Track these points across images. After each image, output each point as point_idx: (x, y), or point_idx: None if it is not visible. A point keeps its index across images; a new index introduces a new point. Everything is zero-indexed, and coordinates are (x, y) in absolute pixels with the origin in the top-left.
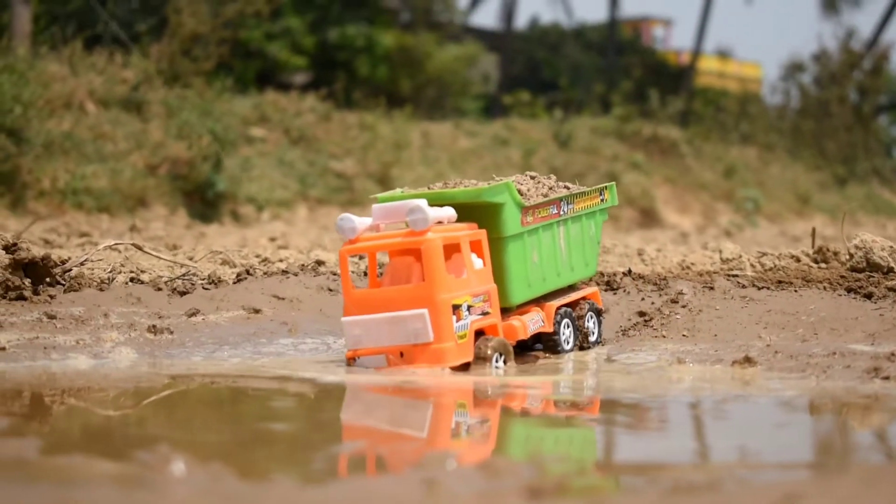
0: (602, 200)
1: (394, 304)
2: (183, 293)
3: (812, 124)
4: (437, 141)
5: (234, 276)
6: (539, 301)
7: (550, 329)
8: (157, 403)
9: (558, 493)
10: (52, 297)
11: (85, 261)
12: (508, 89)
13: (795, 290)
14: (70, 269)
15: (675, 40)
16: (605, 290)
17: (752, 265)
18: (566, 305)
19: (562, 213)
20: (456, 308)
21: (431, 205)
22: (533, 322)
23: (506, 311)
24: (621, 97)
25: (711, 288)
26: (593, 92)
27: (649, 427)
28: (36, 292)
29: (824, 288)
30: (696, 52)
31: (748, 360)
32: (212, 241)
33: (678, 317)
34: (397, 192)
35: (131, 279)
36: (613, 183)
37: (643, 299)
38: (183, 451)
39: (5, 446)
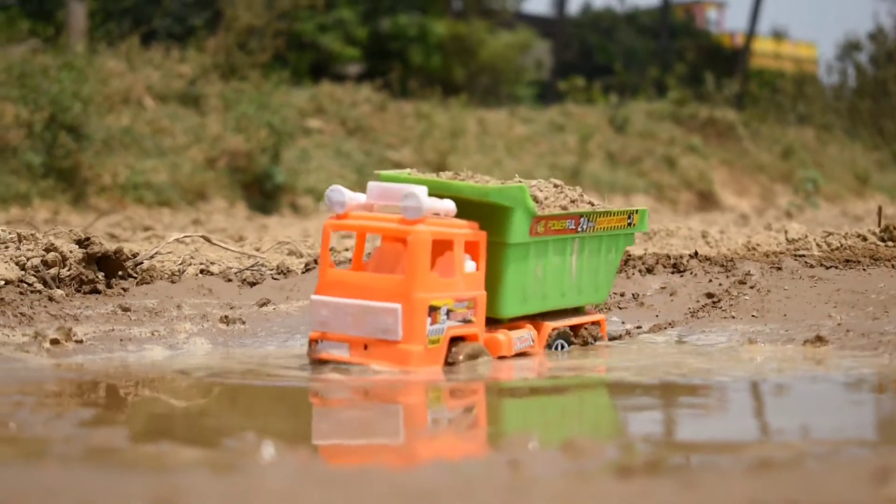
0: (630, 224)
1: (369, 293)
2: (253, 284)
3: (869, 104)
4: (493, 128)
5: (301, 265)
6: (535, 318)
7: (540, 351)
8: (235, 392)
9: (648, 471)
10: (125, 289)
11: (155, 253)
12: (562, 75)
13: (864, 269)
14: (141, 262)
15: (729, 22)
16: (672, 273)
17: (818, 245)
18: (565, 327)
19: (580, 229)
20: (433, 310)
21: (434, 195)
22: (520, 339)
23: (495, 324)
24: (676, 81)
25: (779, 268)
26: (647, 76)
27: (727, 407)
28: (109, 285)
29: (893, 266)
30: (751, 34)
31: (820, 339)
32: (275, 232)
33: (747, 297)
34: (404, 172)
35: (201, 271)
36: (646, 209)
37: (710, 281)
38: (268, 438)
39: (95, 435)
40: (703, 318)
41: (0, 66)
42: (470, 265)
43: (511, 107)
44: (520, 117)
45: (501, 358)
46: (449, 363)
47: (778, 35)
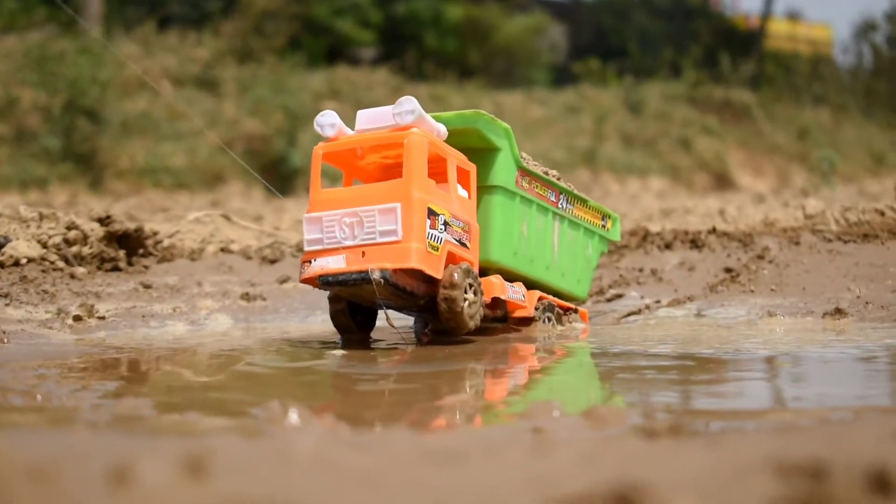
0: (604, 227)
1: (364, 201)
2: (273, 261)
3: (885, 84)
4: (509, 111)
5: None
6: (527, 287)
7: (530, 313)
8: (256, 365)
9: (673, 434)
10: (146, 267)
11: (176, 232)
12: (577, 58)
13: (882, 243)
14: (162, 241)
15: (744, 3)
16: (690, 248)
17: (835, 220)
18: (553, 302)
19: (560, 206)
20: (432, 214)
21: None
22: (513, 290)
23: (484, 275)
24: (691, 62)
25: (797, 243)
26: (662, 58)
27: (745, 377)
28: (130, 263)
29: None
30: (766, 15)
31: (839, 312)
32: (293, 214)
33: (765, 272)
34: None
35: (221, 249)
36: (618, 217)
37: (728, 256)
38: (293, 406)
39: (121, 405)
40: (721, 293)
41: (18, 52)
42: (462, 192)
43: (526, 89)
44: (536, 100)
45: (496, 300)
46: (450, 284)
47: (793, 16)
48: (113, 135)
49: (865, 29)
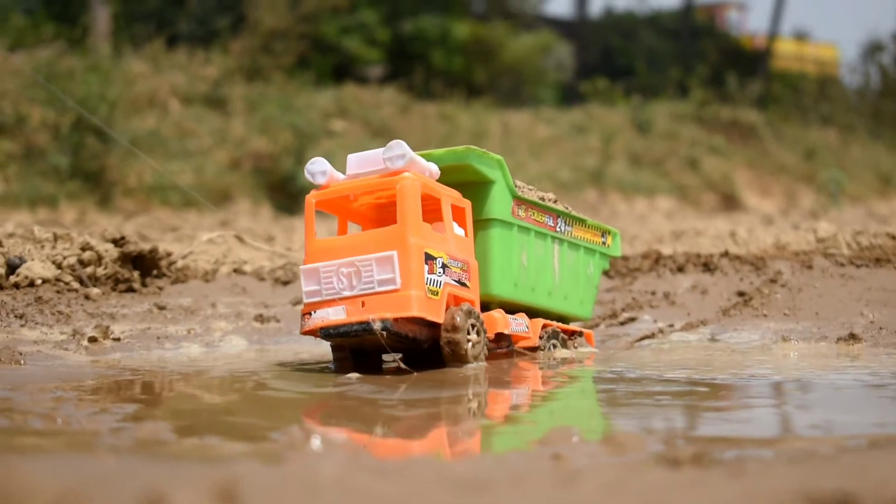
0: (604, 243)
1: (360, 250)
2: (286, 283)
3: (892, 104)
4: (516, 129)
5: None
6: (529, 315)
7: (535, 342)
8: (270, 386)
9: (696, 463)
10: (160, 288)
11: (189, 253)
12: (584, 77)
13: (895, 268)
14: (175, 261)
15: (750, 23)
16: (703, 272)
17: (847, 244)
18: (557, 328)
19: (558, 229)
20: (430, 259)
21: None
22: (516, 323)
23: (485, 308)
24: (698, 82)
25: (810, 267)
26: (669, 77)
27: (761, 404)
28: (144, 284)
29: None
30: (773, 35)
31: (853, 337)
32: (302, 233)
33: (778, 296)
34: None
35: (234, 270)
36: (618, 232)
37: (741, 280)
38: (313, 431)
39: (141, 429)
40: (734, 317)
41: (26, 69)
42: (459, 230)
43: (534, 108)
44: (543, 118)
45: (500, 336)
46: (452, 327)
47: (800, 36)
48: (121, 153)
49: (872, 49)
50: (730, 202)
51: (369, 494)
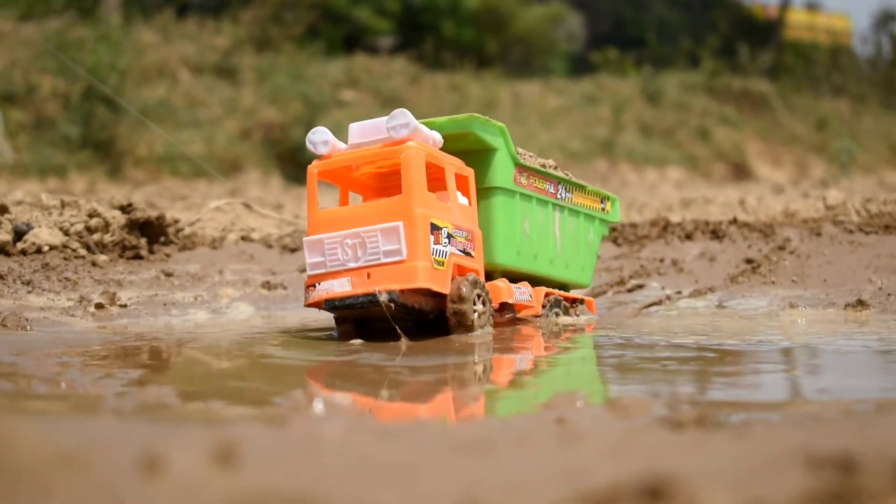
0: (603, 209)
1: (365, 220)
2: (293, 250)
3: None
4: (526, 100)
5: None
6: (532, 284)
7: (538, 311)
8: (275, 352)
9: (699, 425)
10: (167, 255)
11: (197, 220)
12: (594, 47)
13: None
14: (183, 229)
15: None
16: (711, 239)
17: (856, 211)
18: (559, 296)
19: (559, 196)
20: (435, 229)
21: None
22: (520, 292)
23: (489, 277)
24: (709, 52)
25: (818, 234)
26: (680, 48)
27: (767, 369)
28: (151, 251)
29: None
30: (784, 5)
31: (861, 303)
32: None
33: (786, 263)
34: None
35: (242, 237)
36: (617, 198)
37: (749, 247)
38: (317, 395)
39: (145, 393)
40: (742, 284)
41: (37, 39)
42: (462, 199)
43: (545, 79)
44: (553, 89)
45: (504, 305)
46: (458, 298)
47: (812, 6)
48: (132, 123)
49: (885, 19)
50: (740, 172)
51: (371, 456)
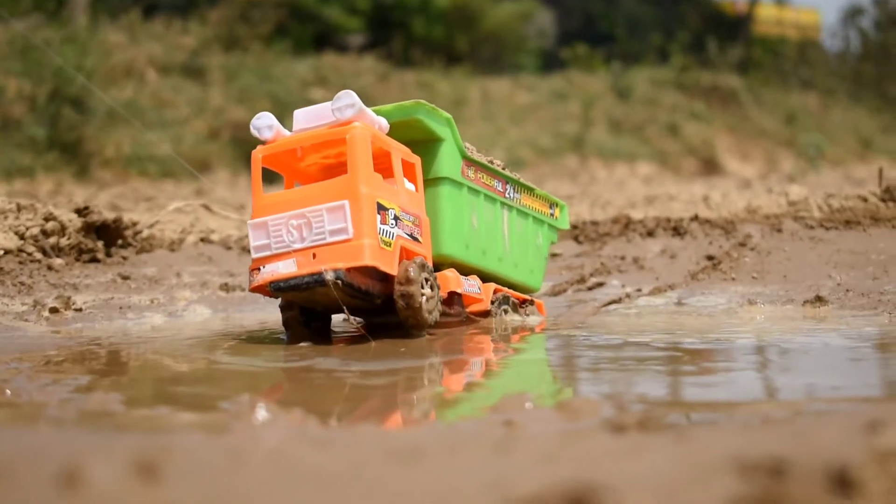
0: (552, 215)
1: (310, 202)
2: None
3: (872, 68)
4: (495, 97)
5: None
6: (482, 280)
7: (487, 306)
8: (228, 356)
9: (641, 428)
10: (124, 258)
11: (155, 222)
12: (565, 44)
13: (864, 230)
14: (141, 231)
15: None
16: (672, 236)
17: (818, 207)
18: (508, 294)
19: (507, 195)
20: (382, 209)
21: None
22: (469, 284)
23: (437, 270)
24: (679, 47)
25: (779, 230)
26: (650, 43)
27: (727, 367)
28: (108, 254)
29: (893, 226)
30: (753, 0)
31: (820, 300)
32: None
33: (747, 259)
34: None
35: (201, 239)
36: (566, 205)
37: (711, 243)
38: (263, 401)
39: (90, 400)
40: (703, 281)
41: (2, 41)
42: (409, 185)
43: (514, 75)
44: (523, 86)
45: (452, 294)
46: (406, 280)
47: (780, 1)
48: (98, 123)
49: (853, 13)
50: (710, 167)
51: (302, 465)
